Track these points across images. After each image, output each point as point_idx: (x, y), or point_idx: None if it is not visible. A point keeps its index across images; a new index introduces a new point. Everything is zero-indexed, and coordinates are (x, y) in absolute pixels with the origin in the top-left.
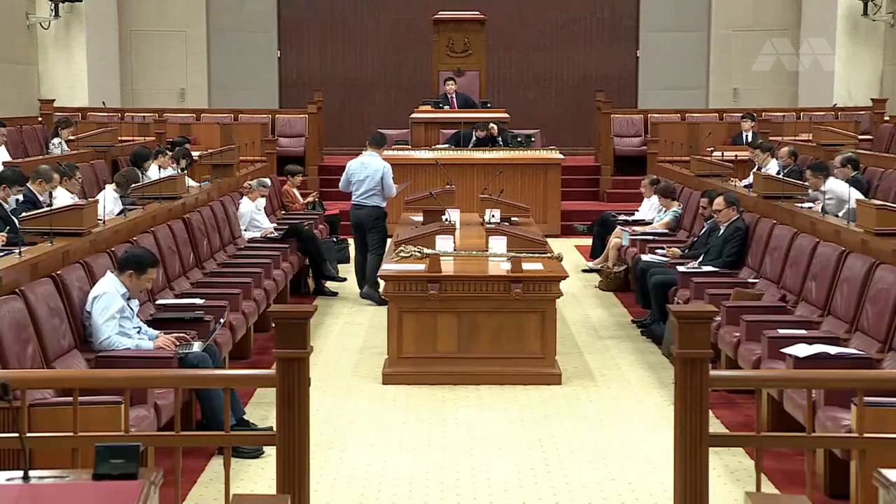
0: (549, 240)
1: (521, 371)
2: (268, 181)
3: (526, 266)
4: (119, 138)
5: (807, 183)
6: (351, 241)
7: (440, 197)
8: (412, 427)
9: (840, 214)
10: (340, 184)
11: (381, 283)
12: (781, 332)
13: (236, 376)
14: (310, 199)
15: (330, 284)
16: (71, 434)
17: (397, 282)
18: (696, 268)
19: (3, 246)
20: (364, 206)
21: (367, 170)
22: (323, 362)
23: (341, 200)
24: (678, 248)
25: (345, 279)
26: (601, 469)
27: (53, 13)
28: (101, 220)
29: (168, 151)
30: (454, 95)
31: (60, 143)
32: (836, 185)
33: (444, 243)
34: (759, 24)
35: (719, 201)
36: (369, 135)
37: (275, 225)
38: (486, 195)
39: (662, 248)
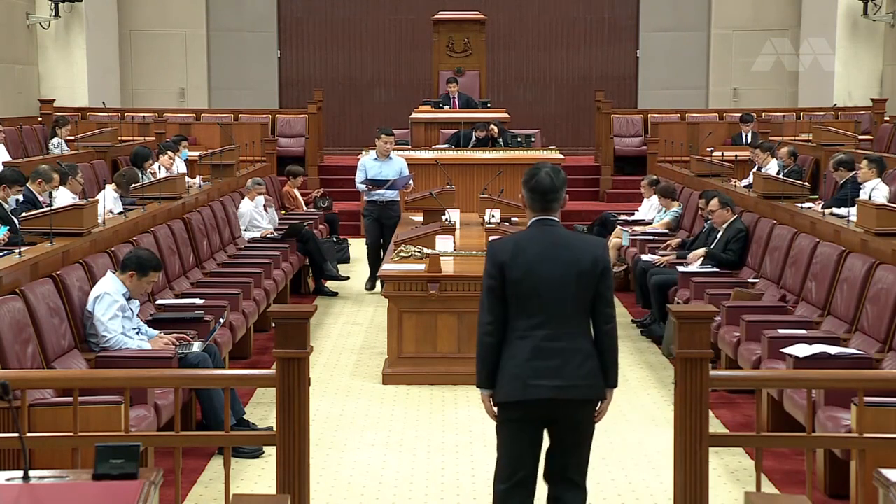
0: None
1: None
2: (261, 179)
3: None
4: (119, 138)
5: (858, 173)
6: (351, 240)
7: (440, 197)
8: (412, 427)
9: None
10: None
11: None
12: (781, 332)
13: (236, 376)
14: (316, 193)
15: (330, 284)
16: (71, 434)
17: (397, 282)
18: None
19: (3, 245)
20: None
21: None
22: (323, 362)
23: (342, 200)
24: (672, 250)
25: (347, 278)
26: (601, 469)
27: (53, 13)
28: (102, 221)
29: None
30: (456, 96)
31: (60, 142)
32: (880, 185)
33: (444, 243)
34: (759, 24)
35: (714, 203)
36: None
37: (275, 225)
38: (486, 195)
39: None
